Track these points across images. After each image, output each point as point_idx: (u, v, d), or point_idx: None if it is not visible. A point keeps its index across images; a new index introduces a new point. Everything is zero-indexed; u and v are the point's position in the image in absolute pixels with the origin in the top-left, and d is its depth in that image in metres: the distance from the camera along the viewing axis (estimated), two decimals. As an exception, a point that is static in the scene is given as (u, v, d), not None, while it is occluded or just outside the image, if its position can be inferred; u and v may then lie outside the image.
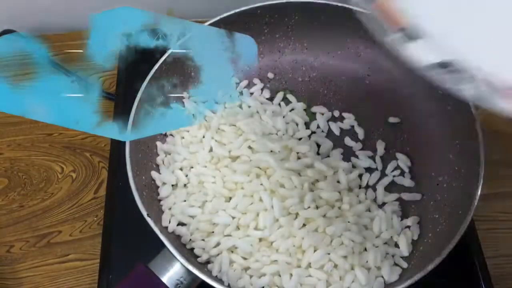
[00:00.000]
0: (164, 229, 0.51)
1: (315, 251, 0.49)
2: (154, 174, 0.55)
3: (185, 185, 0.55)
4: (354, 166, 0.57)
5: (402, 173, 0.57)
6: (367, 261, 0.50)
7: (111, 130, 0.55)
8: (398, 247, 0.51)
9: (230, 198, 0.53)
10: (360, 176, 0.56)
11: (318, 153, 0.58)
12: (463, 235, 0.47)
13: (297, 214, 0.51)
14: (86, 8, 0.77)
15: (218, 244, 0.51)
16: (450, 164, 0.55)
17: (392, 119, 0.61)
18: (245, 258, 0.50)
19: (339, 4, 0.60)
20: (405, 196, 0.55)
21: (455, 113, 0.55)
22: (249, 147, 0.56)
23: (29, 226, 0.61)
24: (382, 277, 0.49)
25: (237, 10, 0.60)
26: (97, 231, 0.60)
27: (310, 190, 0.53)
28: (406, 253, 0.51)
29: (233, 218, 0.51)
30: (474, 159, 0.50)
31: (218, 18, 0.59)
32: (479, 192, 0.48)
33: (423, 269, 0.45)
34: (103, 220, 0.59)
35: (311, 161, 0.55)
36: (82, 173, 0.65)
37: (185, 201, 0.53)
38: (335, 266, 0.49)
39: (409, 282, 0.45)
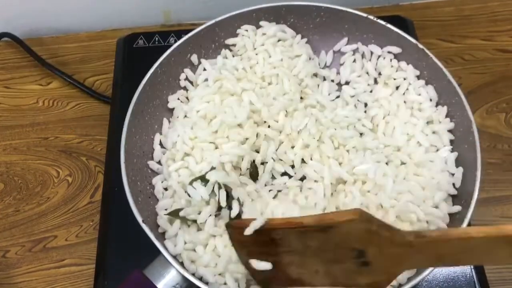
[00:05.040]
0: (160, 235, 0.51)
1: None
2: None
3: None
4: None
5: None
6: None
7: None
8: None
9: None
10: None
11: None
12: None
13: None
14: (83, 10, 0.77)
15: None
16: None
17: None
18: None
19: (335, 7, 0.60)
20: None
21: (451, 116, 0.55)
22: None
23: (24, 231, 0.61)
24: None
25: (232, 14, 0.60)
26: (93, 236, 0.60)
27: None
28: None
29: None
30: (472, 163, 0.50)
31: (213, 21, 0.59)
32: (476, 196, 0.48)
33: (419, 274, 0.45)
34: (99, 225, 0.59)
35: None
36: (78, 177, 0.65)
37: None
38: None
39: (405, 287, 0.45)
